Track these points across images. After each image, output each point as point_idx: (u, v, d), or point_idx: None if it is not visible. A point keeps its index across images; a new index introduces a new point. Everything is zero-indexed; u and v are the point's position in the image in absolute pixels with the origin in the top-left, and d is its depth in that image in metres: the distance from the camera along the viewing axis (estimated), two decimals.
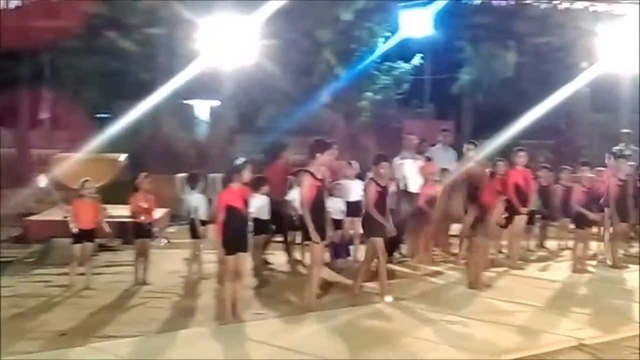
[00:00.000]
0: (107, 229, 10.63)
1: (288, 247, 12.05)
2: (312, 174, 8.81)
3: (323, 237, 8.89)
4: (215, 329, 8.16)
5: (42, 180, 10.95)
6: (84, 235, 10.07)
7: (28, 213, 14.66)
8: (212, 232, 10.29)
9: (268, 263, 11.78)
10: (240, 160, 8.80)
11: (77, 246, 10.04)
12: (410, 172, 12.34)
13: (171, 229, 15.06)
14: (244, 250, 8.57)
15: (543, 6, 20.04)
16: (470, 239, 10.64)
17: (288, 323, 8.47)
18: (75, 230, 10.03)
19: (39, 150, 24.55)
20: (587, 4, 18.68)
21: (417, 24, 20.59)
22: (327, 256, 10.56)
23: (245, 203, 8.57)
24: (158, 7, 19.03)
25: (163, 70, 19.44)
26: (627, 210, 12.48)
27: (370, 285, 9.85)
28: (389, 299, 9.24)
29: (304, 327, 8.30)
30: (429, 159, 12.93)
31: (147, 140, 21.51)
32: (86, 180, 10.26)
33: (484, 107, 24.46)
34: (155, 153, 21.16)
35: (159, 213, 12.26)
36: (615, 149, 15.36)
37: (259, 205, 10.96)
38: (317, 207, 8.83)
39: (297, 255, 11.90)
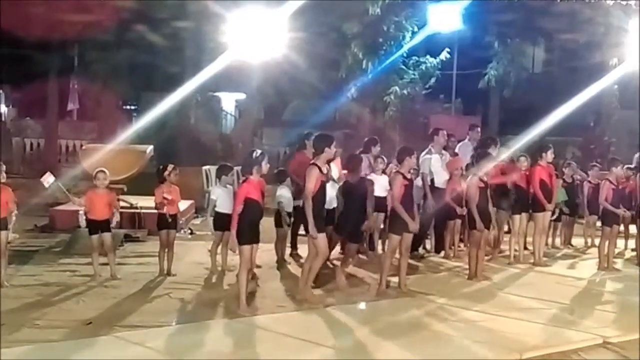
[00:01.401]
0: (117, 218, 10.67)
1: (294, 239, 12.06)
2: (319, 168, 8.84)
3: (322, 231, 8.88)
4: (238, 320, 8.18)
5: (48, 179, 10.96)
6: (99, 226, 10.13)
7: (55, 203, 14.83)
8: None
9: (299, 256, 11.87)
10: (257, 152, 8.82)
11: (95, 237, 10.08)
12: (437, 167, 12.29)
13: (196, 221, 15.15)
14: (257, 241, 8.63)
15: (572, 2, 19.91)
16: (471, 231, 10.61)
17: (309, 315, 8.46)
18: (83, 221, 10.00)
19: (67, 141, 24.83)
20: None
21: (445, 19, 20.54)
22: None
23: (262, 195, 8.62)
24: (187, 1, 19.12)
25: (191, 63, 19.55)
26: None
27: (394, 280, 9.84)
28: (362, 306, 9.13)
29: (319, 320, 8.29)
30: (456, 155, 12.89)
31: (174, 132, 21.63)
32: (100, 171, 10.27)
33: (511, 103, 24.35)
34: (182, 145, 21.30)
35: (184, 205, 12.32)
36: None
37: (283, 197, 11.02)
38: (320, 200, 8.86)
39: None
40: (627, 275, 11.37)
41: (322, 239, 8.83)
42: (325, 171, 8.99)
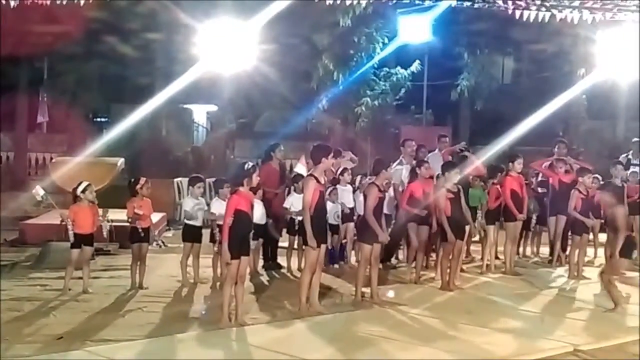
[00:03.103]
0: (105, 233, 10.67)
1: (274, 252, 12.12)
2: (316, 179, 8.87)
3: (323, 242, 8.95)
4: (212, 333, 8.16)
5: (39, 192, 10.92)
6: (83, 240, 10.07)
7: (25, 217, 14.69)
8: (212, 236, 10.43)
9: (280, 266, 11.86)
10: (249, 164, 8.83)
11: (76, 251, 10.03)
12: (407, 178, 12.35)
13: (168, 233, 15.09)
14: (247, 254, 8.63)
15: (541, 14, 20.09)
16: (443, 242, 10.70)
17: (282, 328, 8.47)
18: (72, 235, 10.01)
19: (37, 154, 24.61)
20: (585, 11, 18.70)
21: (415, 30, 20.60)
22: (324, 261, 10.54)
23: (251, 207, 8.63)
24: (157, 12, 19.05)
25: (162, 74, 19.49)
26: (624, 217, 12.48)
27: (364, 290, 9.87)
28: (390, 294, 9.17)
29: (299, 332, 8.31)
30: (426, 165, 12.94)
31: (145, 145, 21.53)
32: (88, 185, 10.22)
33: (482, 114, 24.49)
34: (152, 157, 21.19)
35: (155, 217, 12.27)
36: (622, 157, 15.31)
37: (256, 210, 11.02)
38: (319, 212, 8.88)
39: (288, 260, 11.92)
40: (596, 283, 11.48)
41: (315, 253, 8.85)
42: (323, 181, 9.02)
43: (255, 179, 8.69)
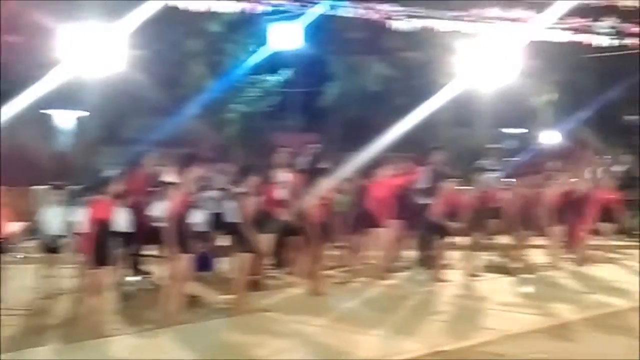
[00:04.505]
0: None
1: (138, 261, 11.86)
2: (182, 186, 8.74)
3: (187, 251, 8.82)
4: (73, 346, 7.89)
5: None
6: None
7: None
8: (73, 246, 10.07)
9: (147, 274, 11.62)
10: (109, 172, 8.60)
11: None
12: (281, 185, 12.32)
13: (28, 244, 14.49)
14: (110, 264, 8.40)
15: (408, 23, 20.57)
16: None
17: (148, 338, 8.30)
18: None
19: None
20: (449, 22, 19.28)
21: (286, 38, 20.68)
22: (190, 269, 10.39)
23: (113, 216, 8.40)
24: (18, 14, 18.35)
25: (21, 79, 18.73)
26: (483, 221, 12.97)
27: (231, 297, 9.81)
28: None
29: (165, 341, 8.15)
30: (297, 172, 12.99)
31: (3, 152, 20.62)
32: None
33: (351, 120, 24.84)
34: (11, 165, 20.30)
35: (14, 227, 11.75)
36: (480, 163, 15.84)
37: (121, 218, 10.74)
38: (184, 220, 8.75)
39: (154, 269, 11.69)
40: (457, 286, 11.85)
41: (180, 261, 8.68)
42: (188, 190, 8.87)
43: (118, 187, 8.49)
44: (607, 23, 10.43)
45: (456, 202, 12.46)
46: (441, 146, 14.61)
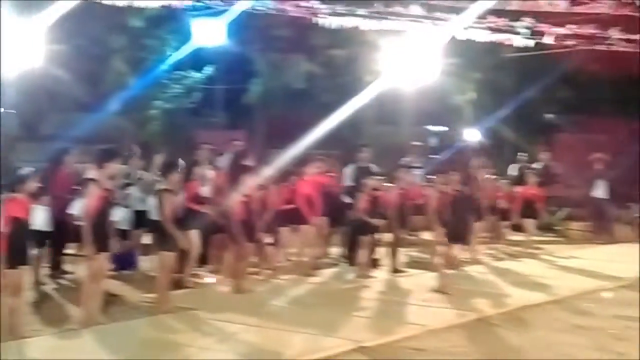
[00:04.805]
0: None
1: (59, 260, 11.65)
2: (99, 184, 8.58)
3: (105, 249, 8.68)
4: None
5: None
6: None
7: None
8: None
9: (65, 272, 11.35)
10: (25, 170, 8.39)
11: None
12: (204, 182, 12.24)
13: None
14: (27, 263, 8.22)
15: (333, 21, 20.63)
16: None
17: (68, 339, 8.14)
18: None
19: None
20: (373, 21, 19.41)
21: (209, 34, 20.55)
22: (109, 268, 10.23)
23: (30, 214, 8.23)
24: None
25: None
26: (406, 217, 13.14)
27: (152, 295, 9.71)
28: None
29: (85, 342, 8.01)
30: (220, 169, 12.91)
31: None
32: None
33: (277, 117, 24.80)
34: None
35: None
36: (404, 160, 15.99)
37: (39, 216, 10.51)
38: (101, 219, 8.59)
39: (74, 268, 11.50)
40: (381, 282, 11.97)
41: (97, 260, 8.53)
42: (107, 187, 8.70)
43: (35, 185, 8.29)
44: (523, 23, 10.69)
45: (380, 199, 12.57)
46: (367, 144, 14.72)
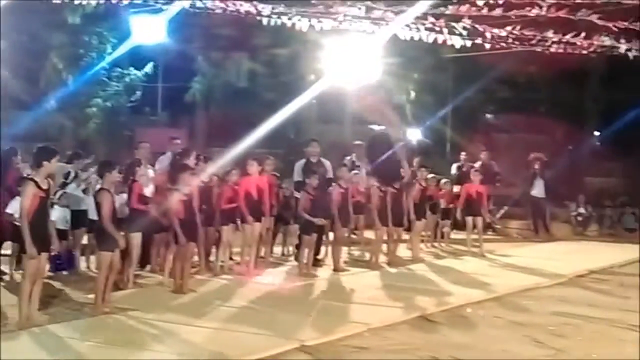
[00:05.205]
0: None
1: None
2: (36, 183, 8.39)
3: (45, 250, 8.51)
4: None
5: None
6: None
7: None
8: None
9: (2, 273, 11.11)
10: None
11: None
12: (143, 180, 12.08)
13: None
14: None
15: (274, 20, 20.55)
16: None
17: (2, 340, 7.92)
18: None
19: None
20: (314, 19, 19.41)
21: (149, 31, 20.24)
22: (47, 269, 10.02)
23: None
24: None
25: None
26: (348, 216, 13.19)
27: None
28: None
29: (20, 344, 7.82)
30: (160, 168, 12.78)
31: None
32: None
33: (219, 116, 24.66)
34: None
35: None
36: (346, 159, 16.04)
37: None
38: (39, 218, 8.41)
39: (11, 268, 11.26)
40: (323, 281, 12.00)
41: (35, 261, 8.35)
42: (45, 187, 8.49)
43: None
44: (462, 25, 10.84)
45: (324, 197, 12.60)
46: (316, 139, 14.65)
